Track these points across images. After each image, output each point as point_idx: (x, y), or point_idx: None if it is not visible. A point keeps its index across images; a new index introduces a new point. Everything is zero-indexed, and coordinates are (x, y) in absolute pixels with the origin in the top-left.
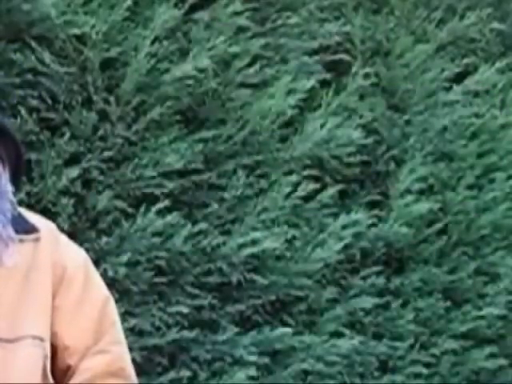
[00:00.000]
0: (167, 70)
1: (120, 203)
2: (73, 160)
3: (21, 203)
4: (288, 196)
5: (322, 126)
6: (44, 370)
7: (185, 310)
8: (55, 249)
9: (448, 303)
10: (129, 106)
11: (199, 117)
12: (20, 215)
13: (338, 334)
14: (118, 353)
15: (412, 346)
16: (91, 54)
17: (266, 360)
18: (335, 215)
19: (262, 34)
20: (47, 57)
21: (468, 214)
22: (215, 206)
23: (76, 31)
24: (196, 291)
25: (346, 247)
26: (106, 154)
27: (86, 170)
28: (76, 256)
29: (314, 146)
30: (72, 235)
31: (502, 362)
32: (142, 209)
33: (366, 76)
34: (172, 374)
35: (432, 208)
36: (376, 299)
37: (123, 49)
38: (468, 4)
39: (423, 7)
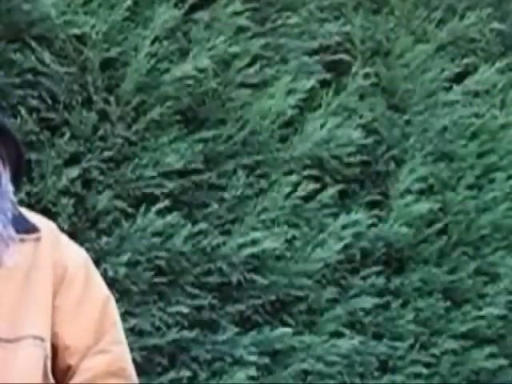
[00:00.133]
0: (167, 70)
1: (120, 203)
2: (73, 160)
3: (21, 203)
4: (288, 196)
5: (322, 126)
6: (45, 370)
7: (185, 310)
8: (56, 248)
9: (448, 303)
10: (129, 106)
11: (199, 117)
12: (21, 215)
13: (338, 334)
14: (118, 353)
15: (412, 346)
16: (91, 54)
17: (266, 360)
18: (335, 215)
19: (262, 34)
20: (47, 57)
21: (468, 214)
22: (215, 206)
23: (76, 31)
24: (196, 291)
25: (346, 247)
26: (106, 153)
27: (86, 170)
28: (77, 256)
29: (314, 146)
30: (72, 235)
31: (502, 362)
32: (142, 209)
33: (366, 76)
34: (172, 374)
35: (432, 208)
36: (376, 299)
37: (123, 49)
38: (468, 4)
39: (423, 7)
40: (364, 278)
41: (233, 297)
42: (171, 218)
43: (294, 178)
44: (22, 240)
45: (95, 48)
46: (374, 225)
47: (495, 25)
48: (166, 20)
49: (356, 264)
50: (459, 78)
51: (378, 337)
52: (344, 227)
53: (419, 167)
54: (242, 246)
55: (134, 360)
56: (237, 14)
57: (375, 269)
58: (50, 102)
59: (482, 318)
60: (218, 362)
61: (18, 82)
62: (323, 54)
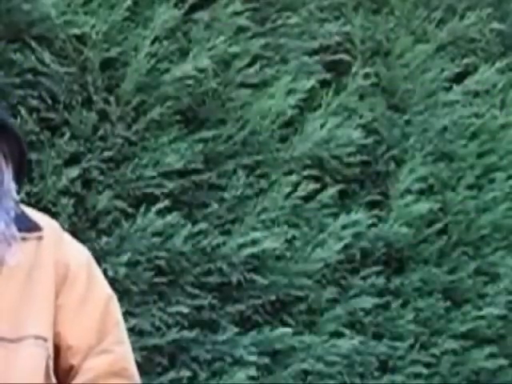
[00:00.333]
0: (167, 70)
1: (120, 203)
2: (73, 160)
3: (21, 203)
4: (288, 196)
5: (322, 126)
6: (47, 370)
7: (185, 310)
8: (58, 247)
9: (448, 303)
10: (129, 106)
11: (199, 117)
12: (23, 213)
13: (338, 334)
14: (121, 353)
15: (412, 346)
16: (91, 54)
17: (266, 360)
18: (335, 215)
19: (262, 34)
20: (47, 57)
21: (468, 214)
22: (215, 206)
23: (76, 31)
24: (196, 291)
25: (346, 247)
26: (106, 153)
27: (86, 169)
28: (79, 255)
29: (314, 146)
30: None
31: (502, 362)
32: (142, 209)
33: (366, 76)
34: (172, 374)
35: (432, 208)
36: (376, 299)
37: (123, 49)
38: (468, 4)
39: (423, 7)
40: (364, 278)
41: (233, 297)
42: (171, 218)
43: (293, 178)
44: (24, 239)
45: (95, 48)
46: (374, 225)
47: (495, 25)
48: (166, 20)
49: (356, 264)
50: (459, 77)
51: (378, 337)
52: (344, 227)
53: (419, 167)
54: (241, 246)
55: (134, 360)
56: (237, 13)
57: (375, 269)
58: (50, 101)
59: (482, 318)
60: (218, 361)
61: (18, 82)
62: (323, 54)
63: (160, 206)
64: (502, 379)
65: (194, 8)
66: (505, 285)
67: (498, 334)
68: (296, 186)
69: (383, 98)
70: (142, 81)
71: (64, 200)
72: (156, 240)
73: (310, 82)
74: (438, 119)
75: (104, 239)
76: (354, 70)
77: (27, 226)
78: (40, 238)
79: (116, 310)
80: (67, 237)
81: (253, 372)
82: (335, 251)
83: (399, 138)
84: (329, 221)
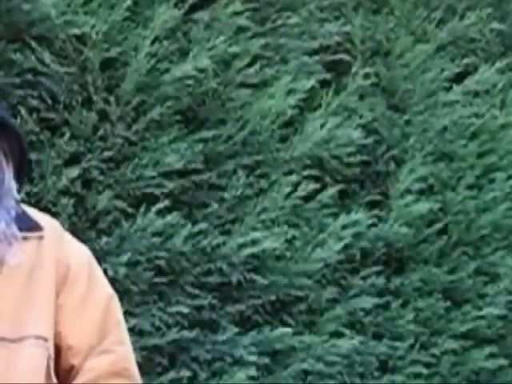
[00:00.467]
0: (167, 70)
1: (120, 203)
2: (73, 160)
3: (21, 203)
4: (288, 196)
5: (322, 126)
6: (47, 370)
7: (185, 310)
8: (59, 247)
9: (448, 303)
10: (129, 106)
11: (199, 117)
12: (24, 213)
13: (338, 334)
14: (122, 353)
15: (412, 346)
16: (91, 54)
17: (266, 360)
18: (335, 215)
19: (262, 34)
20: (47, 57)
21: (468, 214)
22: (215, 206)
23: (76, 31)
24: (196, 291)
25: (346, 247)
26: (106, 153)
27: (86, 169)
28: (80, 254)
29: (314, 146)
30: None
31: (502, 362)
32: (142, 209)
33: (366, 76)
34: (172, 374)
35: (432, 208)
36: (376, 299)
37: (123, 49)
38: (468, 4)
39: (423, 7)
40: (364, 278)
41: (233, 297)
42: (171, 218)
43: (294, 178)
44: (25, 238)
45: (95, 48)
46: (374, 225)
47: (495, 25)
48: (166, 20)
49: (356, 264)
50: (459, 77)
51: (378, 337)
52: (344, 227)
53: (419, 167)
54: (241, 246)
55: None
56: (237, 13)
57: (375, 269)
58: (50, 101)
59: (482, 317)
60: (218, 361)
61: (18, 82)
62: (323, 54)
63: (160, 205)
64: (502, 379)
65: (194, 8)
66: (505, 285)
67: (497, 334)
68: (296, 186)
69: (383, 97)
70: (142, 81)
71: (64, 200)
72: (156, 240)
73: (310, 82)
74: (438, 119)
75: (104, 239)
76: (354, 69)
77: (28, 225)
78: (41, 238)
79: (117, 309)
80: (68, 236)
81: (253, 372)
82: (335, 251)
83: (399, 138)
84: (329, 221)
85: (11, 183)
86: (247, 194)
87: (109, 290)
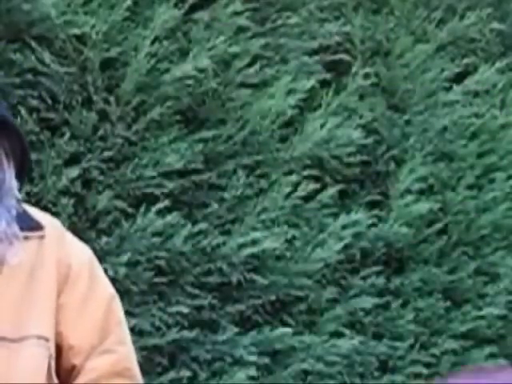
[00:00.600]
0: (167, 70)
1: (120, 203)
2: (73, 160)
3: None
4: (288, 196)
5: (322, 126)
6: (49, 370)
7: (185, 310)
8: (60, 246)
9: (448, 303)
10: (129, 106)
11: (199, 117)
12: (25, 212)
13: (338, 334)
14: (123, 353)
15: (412, 346)
16: (91, 54)
17: (266, 360)
18: (335, 215)
19: (262, 34)
20: (47, 57)
21: (468, 214)
22: (215, 206)
23: (76, 31)
24: (196, 291)
25: (346, 247)
26: (106, 153)
27: (86, 169)
28: (81, 254)
29: (314, 146)
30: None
31: (502, 362)
32: (142, 209)
33: (366, 76)
34: (172, 374)
35: (432, 208)
36: (376, 299)
37: (123, 49)
38: (468, 4)
39: (423, 7)
40: (364, 278)
41: (233, 297)
42: (171, 218)
43: (294, 178)
44: (26, 237)
45: (95, 48)
46: (374, 225)
47: (495, 25)
48: (166, 20)
49: (356, 264)
50: (459, 77)
51: (378, 337)
52: (344, 227)
53: (419, 167)
54: (242, 246)
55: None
56: (237, 13)
57: (375, 269)
58: (50, 101)
59: (482, 317)
60: (218, 361)
61: (18, 82)
62: (323, 54)
63: (160, 205)
64: None
65: (194, 8)
66: (505, 285)
67: (497, 334)
68: (296, 186)
69: (383, 97)
70: (142, 81)
71: (64, 200)
72: (156, 240)
73: (310, 82)
74: (438, 119)
75: (104, 239)
76: (354, 69)
77: (29, 224)
78: (42, 237)
79: (118, 309)
80: (69, 236)
81: (253, 372)
82: (335, 251)
83: (399, 138)
84: (329, 221)
85: (12, 182)
86: (247, 194)
87: (110, 289)
